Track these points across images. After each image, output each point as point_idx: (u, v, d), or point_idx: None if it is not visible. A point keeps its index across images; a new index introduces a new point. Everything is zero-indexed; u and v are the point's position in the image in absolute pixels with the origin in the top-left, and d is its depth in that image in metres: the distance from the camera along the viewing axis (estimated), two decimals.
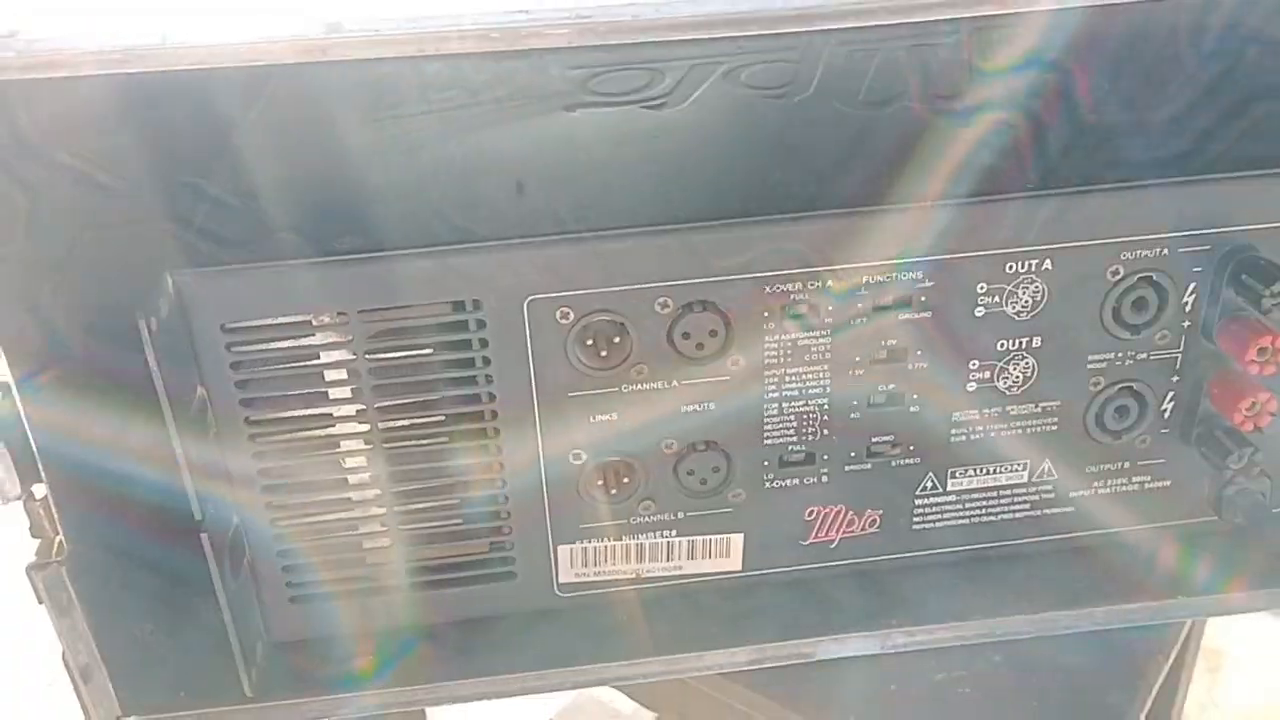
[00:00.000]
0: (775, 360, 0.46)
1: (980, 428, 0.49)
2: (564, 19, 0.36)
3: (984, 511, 0.51)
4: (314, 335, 0.45)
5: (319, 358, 0.45)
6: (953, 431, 0.49)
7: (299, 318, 0.44)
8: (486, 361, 0.45)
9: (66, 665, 0.46)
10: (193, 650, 0.49)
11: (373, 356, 0.44)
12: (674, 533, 0.50)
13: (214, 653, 0.48)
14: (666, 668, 0.49)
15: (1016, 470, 0.50)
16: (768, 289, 0.45)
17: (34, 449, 0.41)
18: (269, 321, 0.43)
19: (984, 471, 0.50)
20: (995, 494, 0.51)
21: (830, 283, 0.45)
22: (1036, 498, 0.51)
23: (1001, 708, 0.48)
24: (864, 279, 0.45)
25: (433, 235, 0.43)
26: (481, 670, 0.49)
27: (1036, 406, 0.49)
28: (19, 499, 0.42)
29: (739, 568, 0.51)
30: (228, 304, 0.42)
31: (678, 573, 0.51)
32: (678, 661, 0.50)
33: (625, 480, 0.48)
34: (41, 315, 0.40)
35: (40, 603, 0.45)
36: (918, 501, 0.51)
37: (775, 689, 0.52)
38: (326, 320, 0.44)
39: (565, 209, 0.45)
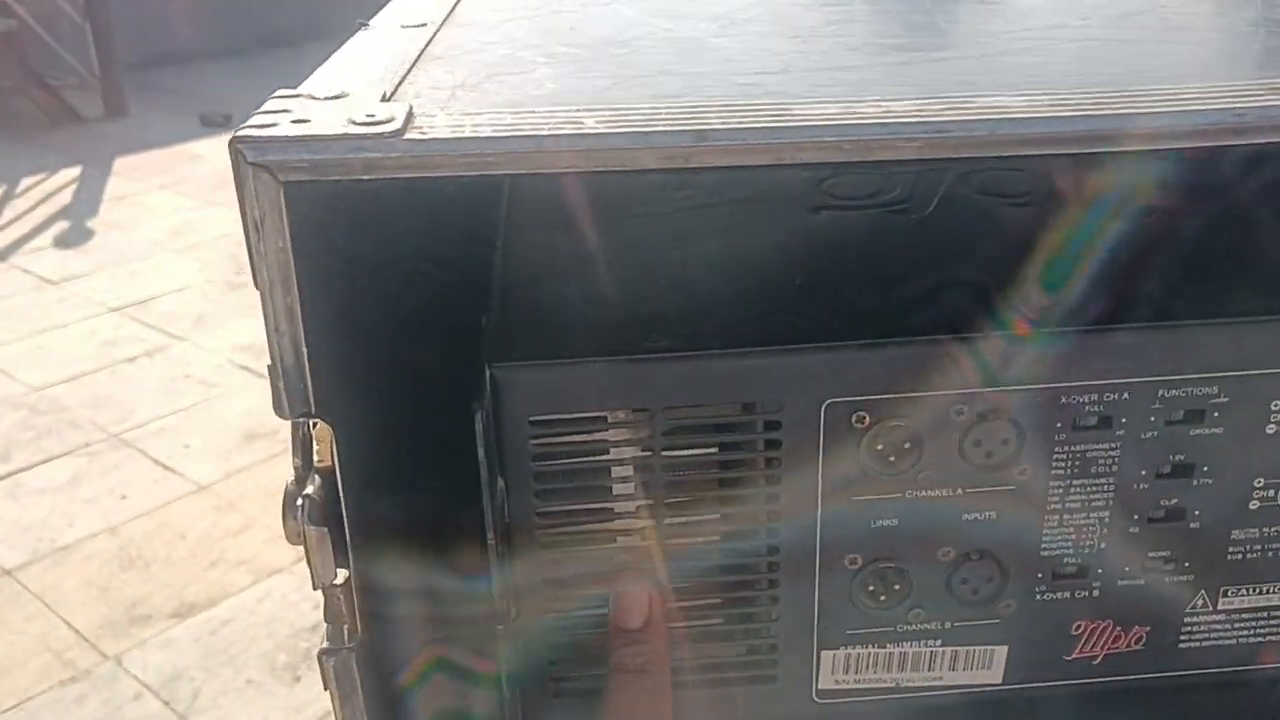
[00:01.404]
0: (1062, 472, 0.46)
1: (1259, 547, 0.48)
2: (919, 131, 0.37)
3: (1252, 632, 0.50)
4: (607, 431, 0.45)
5: (609, 453, 0.45)
6: (1230, 549, 0.48)
7: (598, 413, 0.44)
8: (777, 462, 0.45)
9: None
10: None
11: (667, 454, 0.45)
12: (939, 642, 0.49)
13: None
14: None
15: None
16: (1063, 399, 0.45)
17: (347, 535, 0.42)
18: (572, 415, 0.44)
19: (1257, 591, 0.49)
20: (1266, 614, 0.50)
21: (1125, 396, 0.45)
22: None
23: None
24: (1159, 393, 0.45)
25: (730, 337, 0.44)
26: None
27: None
28: (328, 585, 0.43)
29: (999, 680, 0.50)
30: (537, 398, 0.43)
31: (937, 683, 0.50)
32: None
33: (897, 587, 0.48)
34: (369, 402, 0.41)
35: (325, 688, 0.45)
36: (1186, 619, 0.50)
37: None
38: (621, 416, 0.45)
39: (849, 312, 0.46)
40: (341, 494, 0.41)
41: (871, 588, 0.48)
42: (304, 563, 0.42)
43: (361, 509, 0.42)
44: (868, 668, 0.50)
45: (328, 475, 0.42)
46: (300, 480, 0.43)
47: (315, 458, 0.43)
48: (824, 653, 0.49)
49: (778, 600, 0.48)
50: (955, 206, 0.49)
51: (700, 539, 0.47)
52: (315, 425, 0.43)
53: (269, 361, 0.40)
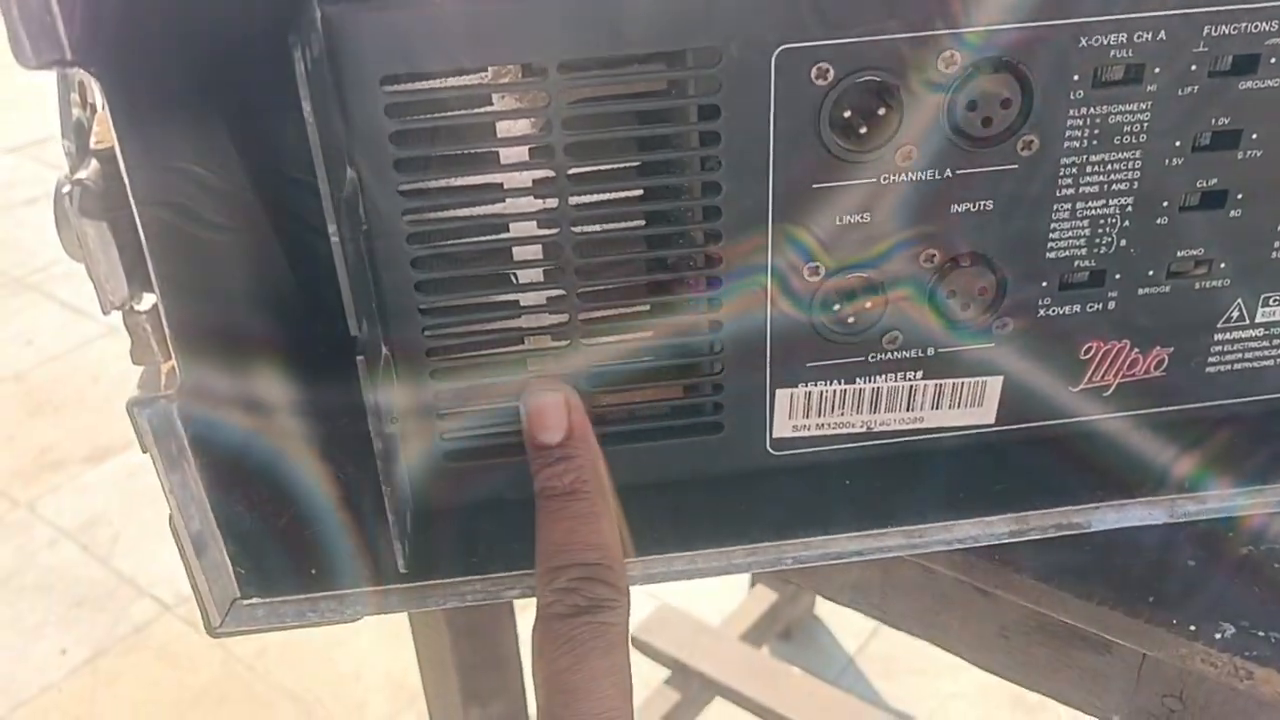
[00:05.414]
0: (1077, 143, 0.36)
1: None
2: None
3: None
4: (492, 103, 0.34)
5: (496, 134, 0.35)
6: (1276, 245, 0.39)
7: (478, 76, 0.33)
8: (715, 138, 0.35)
9: (175, 532, 0.36)
10: (327, 519, 0.39)
11: (570, 132, 0.34)
12: (919, 374, 0.40)
13: (352, 521, 0.39)
14: (908, 540, 0.40)
15: None
16: (1082, 41, 0.34)
17: (143, 239, 0.31)
18: (442, 83, 0.33)
19: None
20: None
21: (1162, 35, 0.34)
22: None
23: None
24: (1204, 30, 0.35)
25: None
26: (676, 545, 0.39)
27: None
28: (122, 307, 0.32)
29: (992, 420, 0.41)
30: (391, 49, 0.32)
31: (917, 425, 0.41)
32: (921, 534, 0.40)
33: (868, 305, 0.38)
34: (148, 41, 0.30)
35: (144, 451, 0.35)
36: (1218, 336, 0.41)
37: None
38: (509, 80, 0.34)
39: None
40: (125, 175, 0.30)
41: (837, 306, 0.38)
42: None
43: (154, 196, 0.31)
44: (833, 408, 0.40)
45: (109, 158, 0.31)
46: (73, 168, 0.32)
47: (93, 140, 0.32)
48: (779, 392, 0.40)
49: (719, 325, 0.38)
50: None
51: (616, 249, 0.37)
52: (81, 84, 0.32)
53: None
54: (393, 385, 0.37)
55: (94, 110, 0.33)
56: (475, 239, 0.36)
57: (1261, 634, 0.36)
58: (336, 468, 0.39)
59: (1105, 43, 0.34)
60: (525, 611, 0.38)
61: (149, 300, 0.33)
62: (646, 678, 1.24)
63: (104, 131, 0.32)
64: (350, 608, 0.38)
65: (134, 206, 0.30)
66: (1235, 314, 0.40)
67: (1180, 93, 0.36)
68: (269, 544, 0.38)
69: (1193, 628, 0.36)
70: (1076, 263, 0.38)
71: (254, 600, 0.38)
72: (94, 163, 0.31)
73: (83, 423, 1.88)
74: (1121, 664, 0.41)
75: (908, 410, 0.41)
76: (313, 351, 0.35)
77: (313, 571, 0.38)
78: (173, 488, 0.35)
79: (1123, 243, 0.38)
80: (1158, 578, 0.39)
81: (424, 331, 0.37)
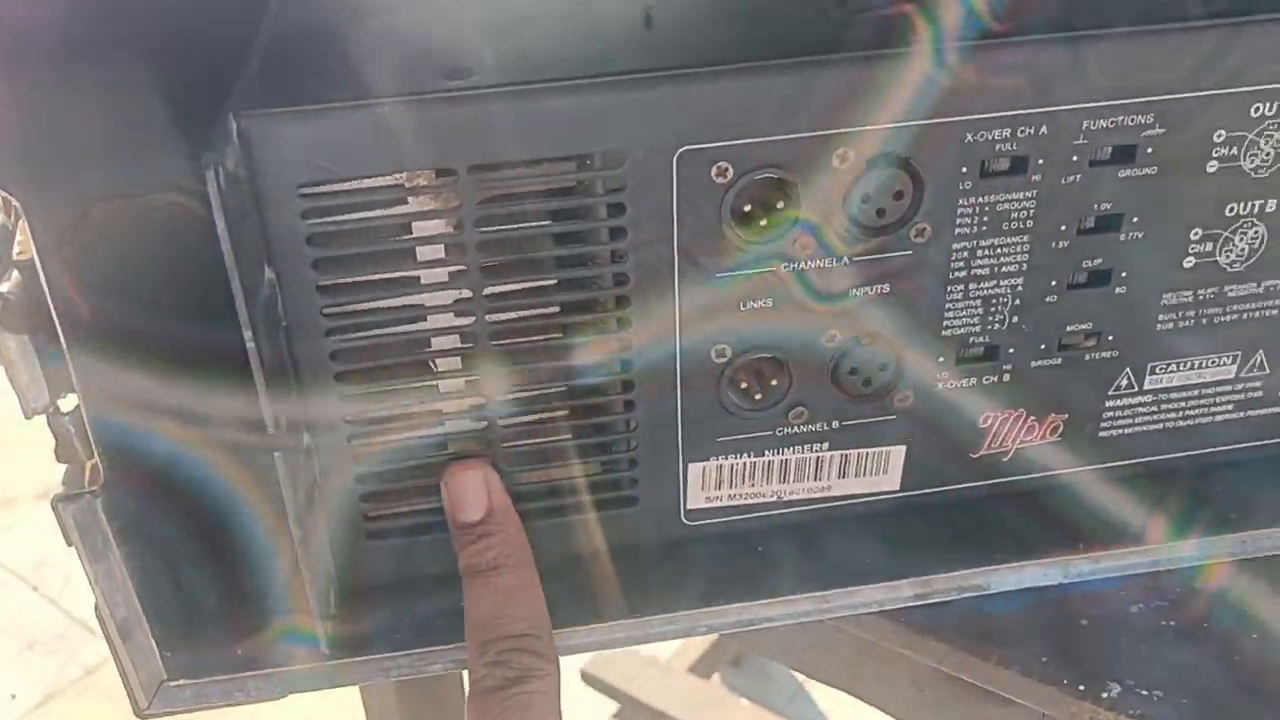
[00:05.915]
0: (968, 229, 0.38)
1: (1192, 313, 0.41)
2: None
3: (1180, 415, 0.44)
4: (407, 203, 0.36)
5: (411, 232, 0.36)
6: (1160, 318, 0.41)
7: (391, 179, 0.35)
8: (622, 233, 0.36)
9: (101, 620, 0.37)
10: (252, 600, 0.40)
11: (482, 230, 0.35)
12: (825, 446, 0.42)
13: (277, 603, 0.40)
14: (816, 606, 0.41)
15: (1224, 364, 0.43)
16: (968, 137, 0.36)
17: (64, 346, 0.32)
18: (357, 186, 0.34)
19: (1188, 366, 0.42)
20: (1197, 393, 0.43)
21: (1044, 130, 0.36)
22: (1243, 397, 0.44)
23: (1218, 643, 0.41)
24: (1083, 124, 0.37)
25: (559, 71, 0.34)
26: (597, 615, 0.41)
27: (1259, 286, 0.41)
28: (44, 412, 0.33)
29: (896, 487, 0.43)
30: (307, 157, 0.33)
31: (825, 494, 0.43)
32: (829, 599, 0.42)
33: (774, 383, 0.40)
34: (67, 163, 0.31)
35: (69, 544, 0.36)
36: (1109, 404, 0.43)
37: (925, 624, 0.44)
38: (423, 183, 0.35)
39: (703, 43, 0.36)
40: (46, 289, 0.31)
41: (744, 385, 0.40)
42: None
43: (73, 310, 0.32)
44: (744, 480, 0.42)
45: (30, 270, 0.32)
46: None
47: (15, 250, 0.33)
48: (691, 466, 0.41)
49: (632, 405, 0.40)
50: None
51: (531, 336, 0.38)
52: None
53: None
54: (314, 473, 0.38)
55: (17, 216, 0.34)
56: (393, 330, 0.37)
57: (1144, 692, 0.38)
58: (263, 549, 0.40)
59: (990, 137, 0.36)
60: None
61: (72, 399, 0.34)
62: (596, 712, 1.25)
63: (26, 241, 0.33)
64: (277, 687, 0.39)
65: (55, 318, 0.31)
66: (1124, 382, 0.42)
67: (1064, 181, 0.38)
68: (195, 625, 0.39)
69: (1081, 687, 0.38)
70: (971, 339, 0.40)
71: (181, 682, 0.39)
72: (15, 274, 0.32)
73: (34, 459, 1.86)
74: (1025, 716, 0.43)
75: (815, 480, 0.42)
76: (234, 441, 0.36)
77: (239, 651, 0.39)
78: (98, 578, 0.36)
79: (1015, 319, 0.40)
80: (1052, 637, 0.41)
81: (345, 420, 0.38)
